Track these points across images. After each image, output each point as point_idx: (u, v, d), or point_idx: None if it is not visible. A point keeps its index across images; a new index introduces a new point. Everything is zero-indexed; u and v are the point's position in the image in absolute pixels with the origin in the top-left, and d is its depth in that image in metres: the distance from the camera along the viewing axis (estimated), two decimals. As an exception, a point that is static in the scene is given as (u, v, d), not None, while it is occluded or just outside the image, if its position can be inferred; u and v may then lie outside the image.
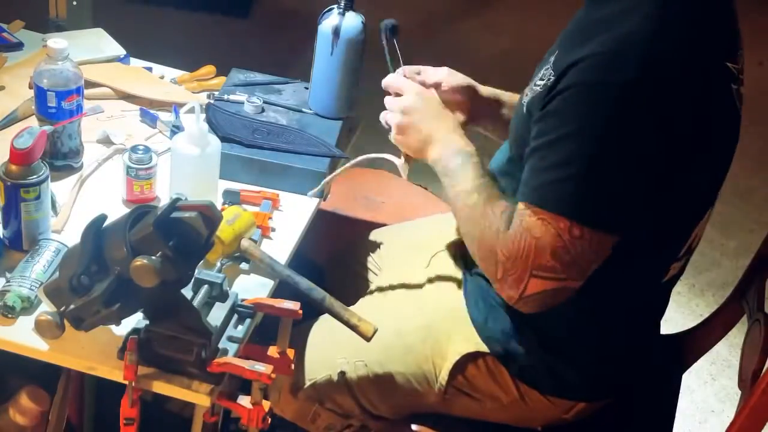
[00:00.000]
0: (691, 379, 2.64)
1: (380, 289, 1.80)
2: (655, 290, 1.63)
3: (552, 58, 1.47)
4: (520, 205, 1.42)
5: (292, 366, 1.50)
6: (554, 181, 1.37)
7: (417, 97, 1.66)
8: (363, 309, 1.64)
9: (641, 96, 1.34)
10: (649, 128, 1.35)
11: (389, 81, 1.70)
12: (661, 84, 1.34)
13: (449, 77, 1.76)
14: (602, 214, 1.38)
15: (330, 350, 1.72)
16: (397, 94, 1.68)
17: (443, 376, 1.66)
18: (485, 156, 1.60)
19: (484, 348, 1.64)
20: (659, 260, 1.56)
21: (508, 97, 1.82)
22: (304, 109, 1.98)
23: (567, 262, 1.39)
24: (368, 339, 1.59)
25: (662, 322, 2.86)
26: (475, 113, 1.77)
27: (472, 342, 1.65)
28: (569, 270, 1.40)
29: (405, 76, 1.73)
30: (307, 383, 1.71)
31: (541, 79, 1.46)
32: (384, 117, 1.68)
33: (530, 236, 1.39)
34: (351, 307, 1.62)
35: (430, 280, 1.76)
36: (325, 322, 1.69)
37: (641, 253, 1.49)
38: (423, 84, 1.73)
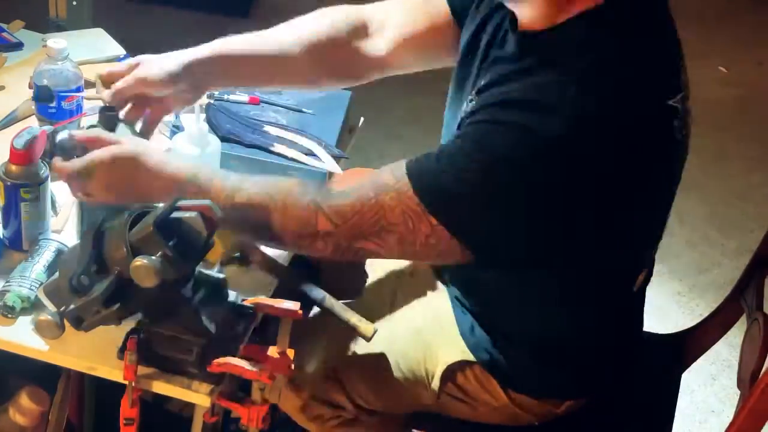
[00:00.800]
0: (691, 379, 2.64)
1: (372, 294, 1.80)
2: (628, 300, 1.63)
3: (478, 74, 1.44)
4: (401, 180, 1.35)
5: (292, 366, 1.50)
6: (446, 188, 1.32)
7: (102, 168, 1.45)
8: (356, 312, 1.64)
9: (562, 153, 1.27)
10: (560, 186, 1.29)
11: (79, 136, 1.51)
12: (584, 143, 1.27)
13: (170, 83, 1.59)
14: (471, 230, 1.34)
15: (325, 348, 1.72)
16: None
17: (435, 383, 1.67)
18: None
19: (470, 357, 1.65)
20: (623, 276, 1.56)
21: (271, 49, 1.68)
22: (304, 109, 1.98)
23: (407, 252, 1.38)
24: (368, 339, 1.59)
25: (662, 322, 2.86)
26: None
27: (459, 350, 1.65)
28: (404, 255, 1.41)
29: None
30: (303, 376, 1.71)
31: (471, 100, 1.43)
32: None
33: (384, 215, 1.35)
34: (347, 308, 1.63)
35: (419, 285, 1.76)
36: (320, 317, 1.70)
37: (601, 276, 1.49)
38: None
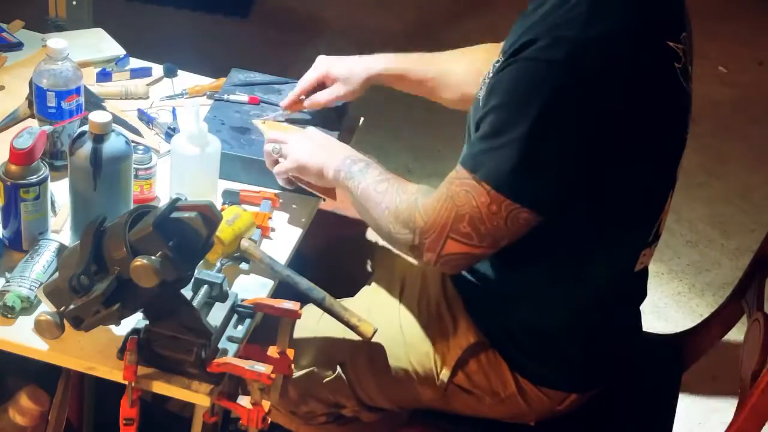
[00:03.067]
0: (691, 379, 2.64)
1: (378, 286, 1.80)
2: (629, 280, 1.66)
3: (504, 46, 1.54)
4: (455, 170, 1.49)
5: (292, 366, 1.50)
6: (483, 150, 1.45)
7: (296, 138, 1.74)
8: (361, 306, 1.64)
9: (568, 77, 1.40)
10: (574, 110, 1.41)
11: (268, 144, 1.77)
12: (588, 67, 1.40)
13: (348, 83, 1.88)
14: (520, 186, 1.44)
15: (329, 341, 1.72)
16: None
17: (445, 373, 1.67)
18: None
19: (484, 339, 1.66)
20: (630, 247, 1.61)
21: (419, 66, 1.90)
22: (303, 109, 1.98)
23: (482, 233, 1.47)
24: (368, 339, 1.60)
25: (662, 322, 2.86)
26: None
27: (473, 333, 1.66)
28: (481, 239, 1.47)
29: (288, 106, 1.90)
30: (301, 373, 1.71)
31: (491, 72, 1.53)
32: (274, 148, 1.74)
33: (452, 203, 1.47)
34: (349, 304, 1.63)
35: (425, 276, 1.76)
36: (319, 313, 1.70)
37: (611, 240, 1.55)
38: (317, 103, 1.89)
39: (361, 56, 1.93)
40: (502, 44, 1.65)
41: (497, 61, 1.52)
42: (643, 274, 1.71)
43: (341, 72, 1.90)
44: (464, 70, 1.87)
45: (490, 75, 1.53)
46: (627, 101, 1.43)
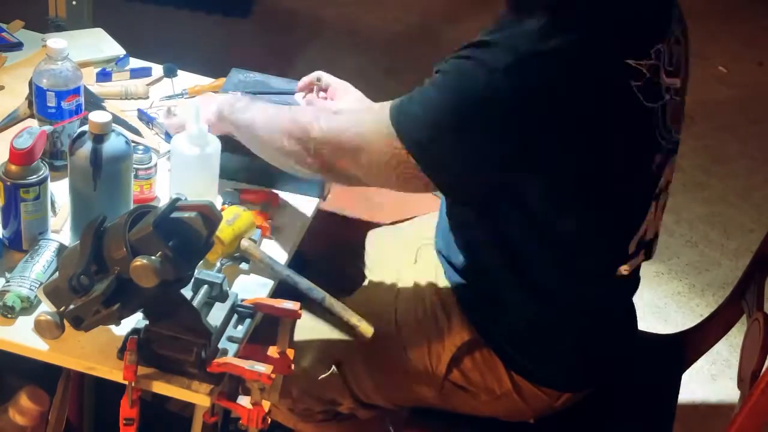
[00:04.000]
0: (691, 379, 2.64)
1: (375, 286, 1.81)
2: (610, 286, 1.67)
3: None
4: (383, 108, 1.52)
5: (292, 366, 1.50)
6: (413, 111, 1.48)
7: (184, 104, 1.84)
8: (357, 304, 1.65)
9: (505, 83, 1.41)
10: (500, 117, 1.43)
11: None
12: (526, 80, 1.42)
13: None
14: (426, 154, 1.47)
15: (325, 340, 1.72)
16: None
17: (440, 370, 1.68)
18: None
19: (478, 337, 1.66)
20: (606, 255, 1.62)
21: None
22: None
23: (372, 174, 1.54)
24: (368, 339, 1.60)
25: (662, 323, 2.86)
26: None
27: (467, 331, 1.66)
28: (369, 178, 1.56)
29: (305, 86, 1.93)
30: (298, 370, 1.71)
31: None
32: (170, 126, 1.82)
33: (359, 134, 1.52)
34: (347, 303, 1.63)
35: (419, 275, 1.76)
36: (316, 312, 1.70)
37: (588, 247, 1.57)
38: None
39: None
40: None
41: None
42: (627, 281, 1.69)
43: (341, 86, 1.92)
44: None
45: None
46: (563, 118, 1.43)
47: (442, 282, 1.72)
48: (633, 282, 1.74)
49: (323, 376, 1.72)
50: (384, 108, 1.52)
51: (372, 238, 1.97)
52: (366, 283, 1.84)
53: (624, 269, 1.63)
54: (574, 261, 1.58)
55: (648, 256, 1.69)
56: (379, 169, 1.51)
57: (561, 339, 1.65)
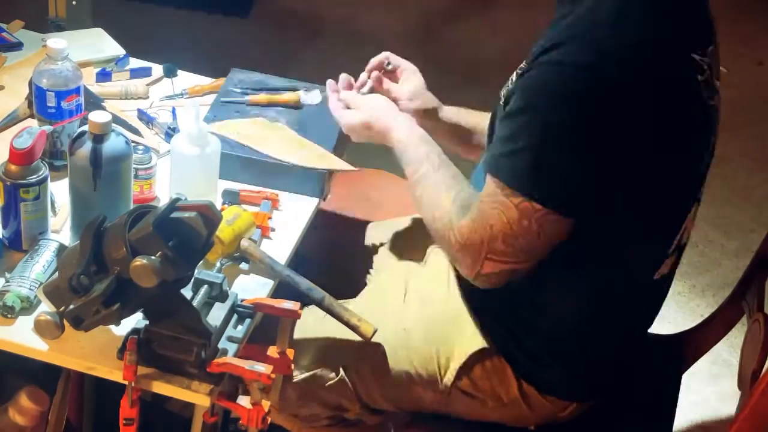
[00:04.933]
0: (691, 379, 2.64)
1: (380, 288, 1.80)
2: (647, 289, 1.65)
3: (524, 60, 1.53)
4: (487, 181, 1.48)
5: (292, 366, 1.50)
6: (509, 152, 1.44)
7: (371, 102, 1.76)
8: (364, 308, 1.64)
9: (592, 82, 1.39)
10: (595, 114, 1.40)
11: (345, 96, 1.78)
12: (613, 73, 1.39)
13: (415, 98, 1.82)
14: (543, 189, 1.43)
15: (331, 344, 1.72)
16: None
17: (449, 377, 1.67)
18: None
19: (490, 344, 1.65)
20: (649, 256, 1.59)
21: (471, 122, 1.87)
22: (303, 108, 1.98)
23: (516, 248, 1.46)
24: (368, 339, 1.59)
25: (662, 322, 2.86)
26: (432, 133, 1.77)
27: (477, 339, 1.65)
28: (517, 255, 1.47)
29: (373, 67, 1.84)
30: (304, 375, 1.71)
31: (515, 76, 1.54)
32: (345, 125, 1.76)
33: (485, 223, 1.46)
34: (351, 305, 1.62)
35: (430, 279, 1.76)
36: (321, 315, 1.70)
37: (630, 249, 1.53)
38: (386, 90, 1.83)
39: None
40: None
41: (520, 68, 1.52)
42: (662, 282, 1.68)
43: (417, 87, 1.86)
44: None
45: (512, 80, 1.53)
46: (647, 110, 1.42)
47: (454, 288, 1.71)
48: (667, 285, 1.71)
49: (330, 381, 1.71)
50: (489, 183, 1.46)
51: (373, 233, 1.96)
52: (372, 285, 1.84)
53: (661, 271, 1.62)
54: (614, 267, 1.55)
55: (679, 258, 1.67)
56: (518, 240, 1.45)
57: (579, 350, 1.63)
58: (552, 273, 1.55)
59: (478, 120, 1.87)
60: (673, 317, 2.86)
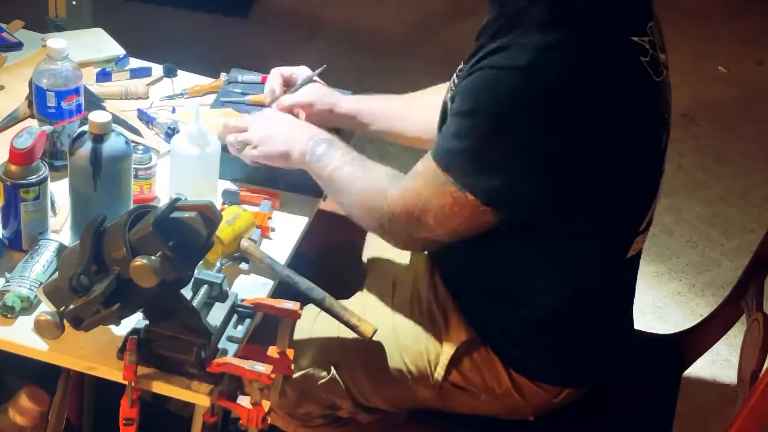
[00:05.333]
0: (691, 379, 2.64)
1: (372, 288, 1.81)
2: (621, 268, 1.68)
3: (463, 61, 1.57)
4: (424, 159, 1.53)
5: (292, 366, 1.50)
6: (453, 147, 1.49)
7: (257, 118, 1.78)
8: (356, 308, 1.65)
9: (531, 81, 1.42)
10: (536, 114, 1.43)
11: (233, 125, 1.78)
12: (551, 70, 1.42)
13: (314, 105, 1.85)
14: (483, 185, 1.47)
15: (324, 343, 1.72)
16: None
17: (439, 372, 1.68)
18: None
19: (476, 336, 1.66)
20: (620, 236, 1.62)
21: (369, 111, 1.90)
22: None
23: (444, 227, 1.53)
24: (368, 339, 1.60)
25: (662, 322, 2.86)
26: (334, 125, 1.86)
27: (464, 331, 1.67)
28: (444, 232, 1.55)
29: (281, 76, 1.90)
30: (297, 374, 1.71)
31: (457, 75, 1.58)
32: (236, 138, 1.76)
33: (419, 197, 1.53)
34: (346, 304, 1.63)
35: (416, 276, 1.76)
36: (315, 313, 1.70)
37: (601, 232, 1.57)
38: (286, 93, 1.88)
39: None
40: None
41: (459, 69, 1.56)
42: (635, 260, 1.71)
43: (318, 96, 1.88)
44: (419, 114, 1.88)
45: (454, 83, 1.57)
46: (593, 101, 1.45)
47: (439, 282, 1.72)
48: (637, 263, 1.73)
49: (322, 380, 1.72)
50: (428, 161, 1.52)
51: (370, 241, 1.97)
52: (364, 285, 1.84)
53: (633, 249, 1.64)
54: (587, 248, 1.58)
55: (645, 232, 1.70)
56: (448, 221, 1.52)
57: (562, 333, 1.65)
58: (528, 260, 1.58)
59: (379, 106, 1.91)
60: (673, 317, 2.86)
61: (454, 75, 1.62)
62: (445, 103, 1.63)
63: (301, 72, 1.92)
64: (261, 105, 1.95)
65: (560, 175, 1.48)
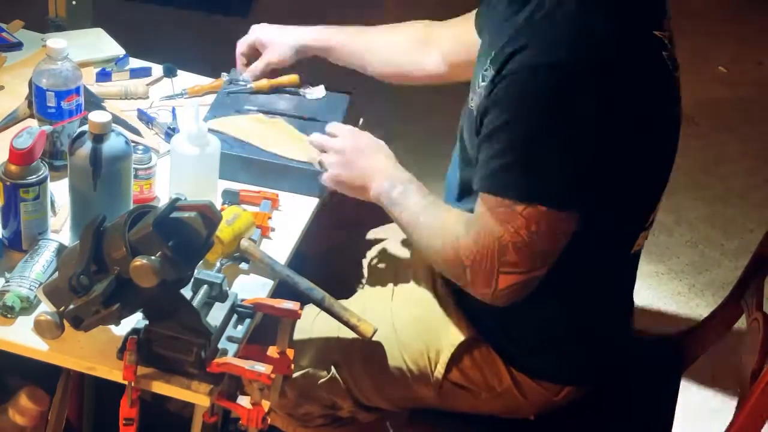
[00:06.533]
0: (691, 379, 2.64)
1: (372, 288, 1.81)
2: (625, 263, 1.67)
3: (488, 59, 1.52)
4: (479, 199, 1.48)
5: (292, 366, 1.50)
6: (500, 167, 1.44)
7: (350, 136, 1.75)
8: (356, 307, 1.65)
9: (563, 78, 1.41)
10: (581, 106, 1.41)
11: (329, 128, 1.79)
12: (589, 62, 1.41)
13: (285, 57, 1.98)
14: (544, 189, 1.43)
15: (323, 343, 1.72)
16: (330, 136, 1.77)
17: (439, 370, 1.68)
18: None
19: (476, 334, 1.66)
20: (628, 231, 1.61)
21: (348, 38, 2.02)
22: (304, 116, 1.97)
23: (528, 255, 1.46)
24: (368, 338, 1.60)
25: (662, 322, 2.86)
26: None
27: (465, 329, 1.67)
28: (532, 262, 1.47)
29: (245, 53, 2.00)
30: (297, 374, 1.71)
31: (483, 81, 1.52)
32: (318, 158, 1.76)
33: (491, 237, 1.46)
34: (346, 304, 1.63)
35: (416, 274, 1.76)
36: (314, 313, 1.70)
37: (612, 226, 1.55)
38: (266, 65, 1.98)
39: (295, 26, 2.06)
40: (449, 28, 1.90)
41: (485, 69, 1.51)
42: (637, 256, 1.70)
43: (271, 37, 2.00)
44: (397, 45, 1.96)
45: (481, 83, 1.53)
46: (622, 96, 1.44)
47: (439, 281, 1.72)
48: (638, 259, 1.73)
49: (322, 379, 1.72)
50: (483, 196, 1.47)
51: (371, 237, 1.96)
52: (364, 285, 1.84)
53: (638, 245, 1.64)
54: (594, 244, 1.55)
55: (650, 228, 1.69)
56: (529, 247, 1.44)
57: (563, 331, 1.65)
58: None
59: (367, 39, 2.01)
60: (673, 317, 2.86)
61: (479, 78, 1.56)
62: (470, 111, 1.58)
63: (252, 39, 2.01)
64: (265, 92, 1.97)
65: (599, 167, 1.46)
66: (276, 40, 2.01)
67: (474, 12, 1.85)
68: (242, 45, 2.03)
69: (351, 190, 1.72)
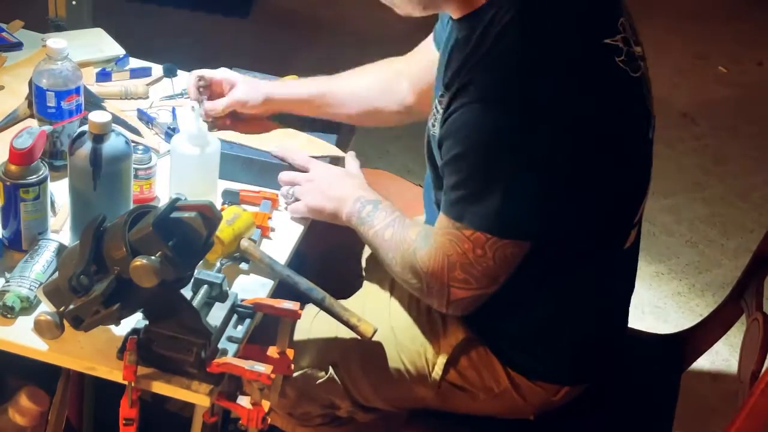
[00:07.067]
0: (691, 379, 2.64)
1: (369, 288, 1.81)
2: (618, 259, 1.67)
3: (443, 79, 1.55)
4: (438, 217, 1.54)
5: (292, 366, 1.50)
6: (455, 196, 1.49)
7: (320, 166, 1.79)
8: (355, 308, 1.65)
9: (515, 109, 1.43)
10: (529, 138, 1.43)
11: (287, 178, 1.79)
12: (532, 93, 1.42)
13: (249, 102, 1.88)
14: (494, 222, 1.47)
15: (322, 343, 1.72)
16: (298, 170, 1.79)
17: (437, 371, 1.68)
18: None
19: (474, 335, 1.66)
20: (616, 231, 1.62)
21: (301, 89, 1.93)
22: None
23: (475, 275, 1.52)
24: (368, 339, 1.60)
25: (662, 323, 2.86)
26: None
27: (461, 331, 1.67)
28: (479, 281, 1.53)
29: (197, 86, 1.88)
30: (296, 374, 1.71)
31: (439, 103, 1.55)
32: (288, 191, 1.78)
33: (443, 254, 1.52)
34: (346, 304, 1.63)
35: None
36: (313, 313, 1.70)
37: (597, 230, 1.57)
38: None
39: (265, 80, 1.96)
40: (402, 61, 1.89)
41: (441, 95, 1.54)
42: (631, 253, 1.70)
43: (241, 79, 1.90)
44: (366, 87, 1.94)
45: (439, 108, 1.55)
46: (578, 115, 1.45)
47: None
48: (634, 256, 1.73)
49: (320, 379, 1.72)
50: (442, 218, 1.53)
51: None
52: (364, 285, 1.84)
53: (629, 242, 1.64)
54: (584, 247, 1.57)
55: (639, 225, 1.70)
56: (476, 268, 1.51)
57: (560, 331, 1.65)
58: (525, 261, 1.56)
59: (324, 85, 1.93)
60: (673, 317, 2.87)
61: (435, 100, 1.60)
62: (430, 132, 1.62)
63: (221, 75, 1.90)
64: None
65: (561, 186, 1.48)
66: (246, 82, 1.91)
67: (431, 34, 1.89)
68: (205, 75, 1.91)
69: (325, 216, 1.74)
